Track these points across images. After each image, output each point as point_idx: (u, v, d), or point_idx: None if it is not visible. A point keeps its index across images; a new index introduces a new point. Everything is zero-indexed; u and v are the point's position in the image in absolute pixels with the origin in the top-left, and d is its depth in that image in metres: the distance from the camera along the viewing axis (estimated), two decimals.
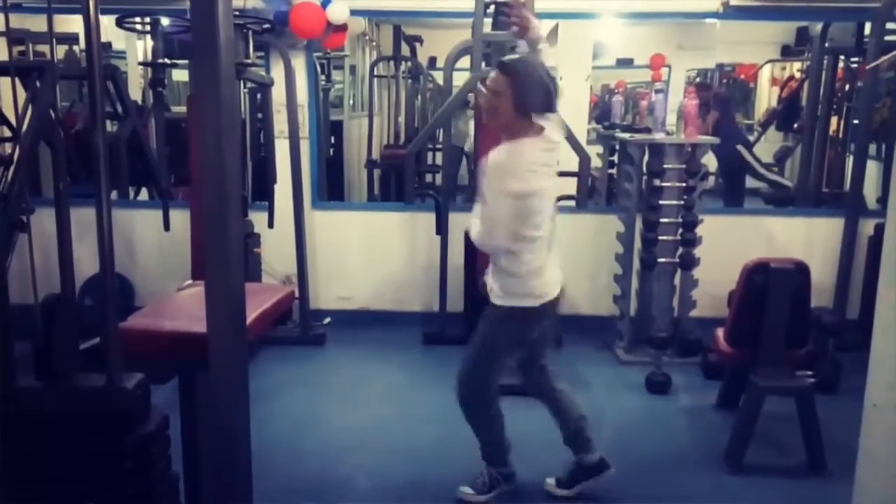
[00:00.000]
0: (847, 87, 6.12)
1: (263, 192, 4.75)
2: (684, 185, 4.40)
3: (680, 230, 4.42)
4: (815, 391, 3.27)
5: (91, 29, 1.85)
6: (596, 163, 5.71)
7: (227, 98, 1.83)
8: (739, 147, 6.62)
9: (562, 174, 5.15)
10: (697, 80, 8.49)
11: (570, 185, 4.48)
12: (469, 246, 4.72)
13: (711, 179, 6.52)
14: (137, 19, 4.77)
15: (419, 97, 8.34)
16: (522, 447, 3.27)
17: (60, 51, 6.02)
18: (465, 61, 4.74)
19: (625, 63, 8.89)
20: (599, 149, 5.95)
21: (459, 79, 4.82)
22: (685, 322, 4.55)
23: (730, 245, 4.57)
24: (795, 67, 8.31)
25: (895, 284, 2.00)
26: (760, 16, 5.09)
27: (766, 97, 9.35)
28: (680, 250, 4.44)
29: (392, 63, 7.84)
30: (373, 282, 5.18)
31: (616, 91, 8.80)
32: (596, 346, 4.78)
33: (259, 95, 4.83)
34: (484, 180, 2.67)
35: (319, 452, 3.42)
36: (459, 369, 2.95)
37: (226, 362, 1.94)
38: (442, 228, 4.74)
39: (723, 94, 7.36)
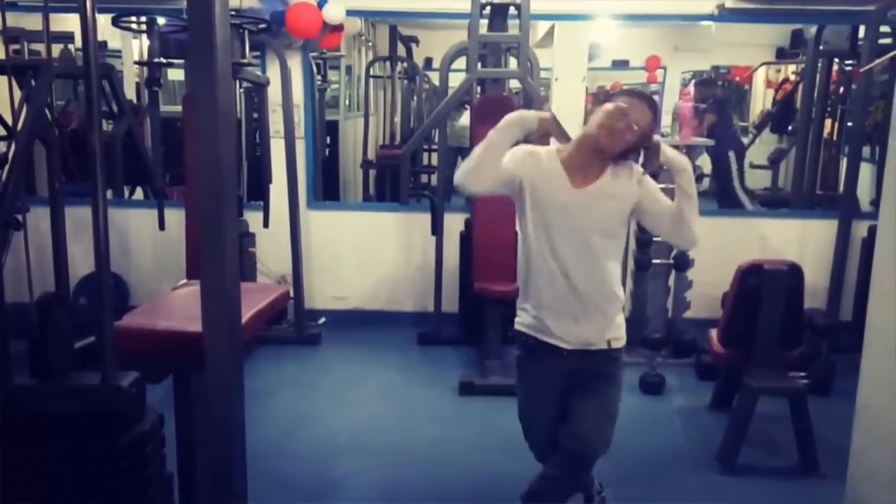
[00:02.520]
0: (841, 89, 6.14)
1: (259, 192, 4.75)
2: None
3: None
4: (807, 392, 3.29)
5: (87, 28, 1.85)
6: None
7: (223, 98, 1.83)
8: (731, 153, 6.68)
9: None
10: (704, 75, 8.40)
11: None
12: (464, 246, 4.74)
13: (706, 181, 6.55)
14: (134, 18, 4.77)
15: (415, 98, 8.35)
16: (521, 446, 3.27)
17: (56, 49, 6.00)
18: (461, 62, 4.75)
19: (620, 64, 8.89)
20: None
21: (455, 79, 4.83)
22: (679, 323, 4.56)
23: (724, 247, 4.58)
24: (790, 70, 8.33)
25: (888, 286, 2.01)
26: (755, 18, 5.10)
27: (760, 99, 9.37)
28: (674, 251, 4.45)
29: (388, 63, 7.85)
30: (368, 282, 5.19)
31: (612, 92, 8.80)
32: None
33: (255, 95, 4.83)
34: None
35: (314, 452, 3.42)
36: (598, 441, 2.41)
37: (220, 361, 1.94)
38: (437, 229, 4.74)
39: (720, 97, 7.38)
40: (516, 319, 2.55)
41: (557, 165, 2.36)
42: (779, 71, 8.84)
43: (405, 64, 7.97)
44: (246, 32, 4.24)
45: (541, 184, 2.34)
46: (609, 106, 2.31)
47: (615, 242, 2.42)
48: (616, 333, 2.41)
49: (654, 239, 4.41)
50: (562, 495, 2.60)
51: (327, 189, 6.02)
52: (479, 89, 4.89)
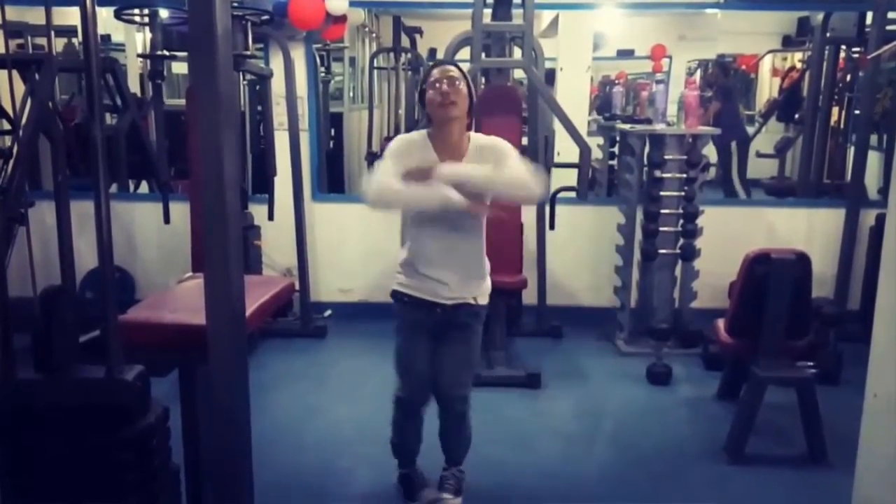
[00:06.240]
0: (848, 77, 6.10)
1: (263, 185, 4.75)
2: (685, 175, 4.39)
3: (681, 221, 4.42)
4: (815, 382, 3.27)
5: (88, 21, 1.84)
6: (597, 154, 5.70)
7: (226, 90, 1.82)
8: (733, 144, 6.68)
9: (563, 165, 5.18)
10: (718, 58, 8.30)
11: (571, 177, 4.47)
12: None
13: (713, 170, 6.53)
14: (136, 11, 4.76)
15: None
16: (527, 437, 3.27)
17: (59, 43, 6.00)
18: (465, 52, 4.72)
19: (625, 54, 8.85)
20: (600, 140, 5.95)
21: None
22: (686, 313, 4.55)
23: (731, 236, 4.57)
24: (797, 58, 8.27)
25: None
26: (761, 6, 5.08)
27: (767, 88, 9.32)
28: (681, 241, 4.44)
29: (392, 54, 7.82)
30: (373, 274, 5.17)
31: (617, 82, 8.77)
32: (596, 338, 4.78)
33: (258, 87, 4.81)
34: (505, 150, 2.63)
35: (320, 444, 3.43)
36: (459, 386, 2.85)
37: (225, 354, 1.94)
38: None
39: (725, 85, 7.36)
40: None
41: None
42: (785, 59, 8.79)
43: (409, 55, 7.93)
44: (248, 24, 4.22)
45: None
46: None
47: None
48: None
49: (661, 229, 4.40)
50: None
51: (332, 181, 6.02)
52: (483, 79, 4.86)
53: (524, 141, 4.89)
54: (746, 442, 3.27)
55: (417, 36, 7.93)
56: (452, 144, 2.62)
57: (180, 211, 4.64)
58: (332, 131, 6.82)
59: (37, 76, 2.72)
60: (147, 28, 5.05)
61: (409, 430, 3.00)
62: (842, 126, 6.15)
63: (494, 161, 2.58)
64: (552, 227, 4.64)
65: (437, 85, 2.56)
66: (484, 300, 2.78)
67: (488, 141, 2.67)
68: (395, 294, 2.88)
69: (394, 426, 3.00)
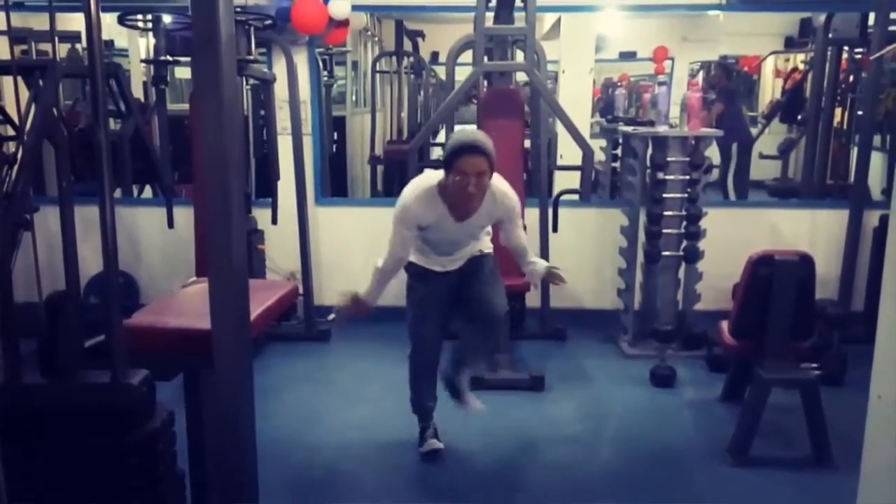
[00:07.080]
0: (851, 78, 6.09)
1: (267, 189, 4.76)
2: (688, 177, 4.39)
3: (684, 223, 4.42)
4: (820, 383, 3.26)
5: (92, 27, 1.85)
6: (599, 156, 5.71)
7: (229, 95, 1.83)
8: (734, 146, 6.68)
9: (565, 168, 5.18)
10: (721, 60, 8.29)
11: (574, 179, 4.48)
12: None
13: (715, 172, 6.53)
14: (139, 17, 4.78)
15: (422, 92, 8.34)
16: (532, 439, 3.27)
17: (63, 49, 6.03)
18: (467, 56, 4.75)
19: (628, 56, 8.85)
20: (603, 142, 5.95)
21: (462, 73, 4.81)
22: (690, 315, 4.54)
23: (734, 238, 4.56)
24: (799, 59, 8.27)
25: None
26: (764, 7, 5.07)
27: (769, 89, 9.31)
28: (684, 243, 4.44)
29: (394, 58, 7.84)
30: None
31: (619, 84, 8.78)
32: (600, 340, 4.78)
33: (261, 92, 4.83)
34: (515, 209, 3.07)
35: (324, 448, 3.43)
36: (497, 298, 3.11)
37: (230, 358, 1.95)
38: None
39: (728, 86, 7.36)
40: None
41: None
42: (788, 60, 8.78)
43: (411, 58, 7.95)
44: (251, 29, 4.24)
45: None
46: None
47: None
48: None
49: (664, 231, 4.40)
50: None
51: (335, 185, 6.02)
52: (485, 83, 4.87)
53: (527, 144, 4.91)
54: (751, 444, 3.26)
55: (419, 39, 7.94)
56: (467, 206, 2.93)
57: (184, 215, 4.65)
58: (335, 135, 6.84)
59: (41, 82, 2.73)
60: (150, 33, 5.07)
61: (423, 389, 3.31)
62: (845, 127, 6.14)
63: (503, 215, 3.01)
64: (555, 229, 4.64)
65: (466, 178, 2.79)
66: (488, 250, 3.19)
67: (503, 193, 2.97)
68: (408, 266, 3.33)
69: (410, 385, 3.35)
